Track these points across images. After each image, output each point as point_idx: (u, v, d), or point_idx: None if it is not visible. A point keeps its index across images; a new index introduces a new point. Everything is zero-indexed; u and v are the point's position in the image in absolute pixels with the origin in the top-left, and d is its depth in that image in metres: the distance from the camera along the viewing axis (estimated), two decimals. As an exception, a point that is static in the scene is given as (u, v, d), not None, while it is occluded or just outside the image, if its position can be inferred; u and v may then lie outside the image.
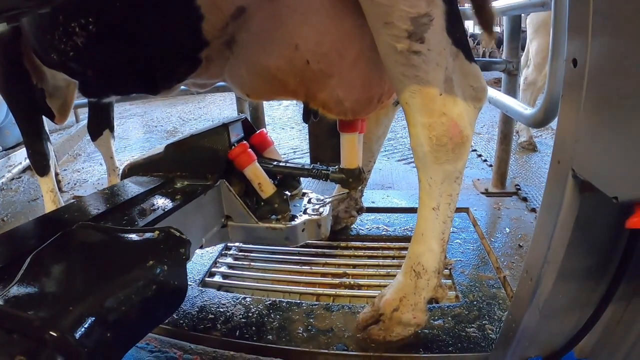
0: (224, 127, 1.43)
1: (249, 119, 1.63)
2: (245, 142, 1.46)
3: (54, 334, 0.63)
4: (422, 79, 1.07)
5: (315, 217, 1.46)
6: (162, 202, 1.17)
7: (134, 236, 0.87)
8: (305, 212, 1.48)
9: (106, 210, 1.08)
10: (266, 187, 1.43)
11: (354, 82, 1.28)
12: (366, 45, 1.18)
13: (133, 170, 1.43)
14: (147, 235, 0.87)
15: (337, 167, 1.53)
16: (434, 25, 1.03)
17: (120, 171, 1.47)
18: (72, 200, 2.70)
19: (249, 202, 1.44)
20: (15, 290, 0.70)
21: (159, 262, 0.80)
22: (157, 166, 1.40)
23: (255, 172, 1.41)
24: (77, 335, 0.65)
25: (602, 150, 0.73)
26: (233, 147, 1.41)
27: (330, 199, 1.55)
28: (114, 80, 1.42)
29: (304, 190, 1.63)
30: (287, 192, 1.49)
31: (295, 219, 1.44)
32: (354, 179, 1.49)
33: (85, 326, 0.66)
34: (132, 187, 1.26)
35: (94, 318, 0.68)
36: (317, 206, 1.51)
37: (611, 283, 0.93)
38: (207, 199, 1.31)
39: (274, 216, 1.45)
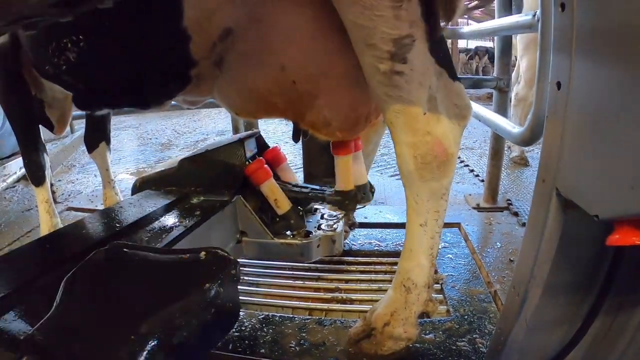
0: (240, 142, 1.44)
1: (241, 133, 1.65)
2: (261, 158, 1.47)
3: None
4: (405, 99, 1.08)
5: (330, 232, 1.47)
6: (182, 219, 1.16)
7: (177, 257, 0.84)
8: (319, 228, 1.49)
9: (125, 226, 1.06)
10: (282, 204, 1.45)
11: (340, 102, 1.30)
12: (352, 66, 1.20)
13: (145, 184, 1.43)
14: (193, 256, 0.84)
15: (332, 189, 1.54)
16: (416, 45, 1.05)
17: (132, 185, 1.47)
18: (67, 212, 2.72)
19: (265, 217, 1.45)
20: (56, 319, 0.64)
21: (215, 284, 0.78)
22: (171, 181, 1.41)
23: (272, 189, 1.44)
24: None
25: (583, 169, 0.75)
26: (248, 162, 1.42)
27: (344, 215, 1.57)
28: (105, 94, 1.44)
29: (315, 206, 1.65)
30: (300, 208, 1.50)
31: (310, 235, 1.45)
32: (350, 201, 1.51)
33: (148, 355, 0.62)
34: (148, 202, 1.26)
35: (156, 346, 0.64)
36: (330, 222, 1.52)
37: (597, 297, 0.94)
38: (225, 215, 1.32)
39: (288, 232, 1.46)
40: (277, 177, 1.54)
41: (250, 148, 1.52)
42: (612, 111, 0.67)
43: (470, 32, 2.37)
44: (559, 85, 0.81)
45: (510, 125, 1.76)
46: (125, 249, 0.83)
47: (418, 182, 1.15)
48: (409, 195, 1.19)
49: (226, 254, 0.84)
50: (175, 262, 0.82)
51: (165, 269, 0.81)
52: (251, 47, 1.23)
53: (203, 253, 0.83)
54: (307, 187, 1.57)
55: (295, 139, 1.50)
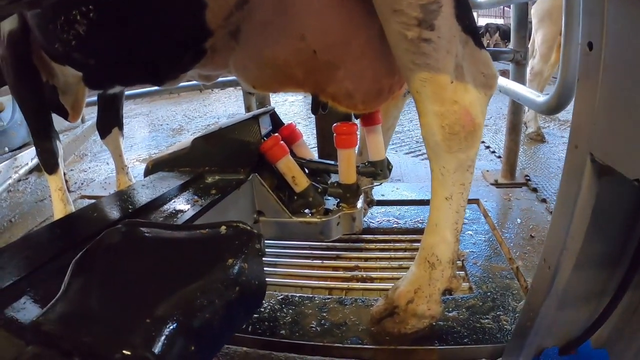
0: (255, 119, 1.40)
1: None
2: (276, 134, 1.44)
3: (128, 353, 0.53)
4: (432, 66, 1.05)
5: (350, 210, 1.43)
6: (197, 198, 1.13)
7: (196, 233, 0.78)
8: (338, 205, 1.46)
9: (139, 207, 1.02)
10: (300, 181, 1.41)
11: (363, 73, 1.26)
12: (374, 35, 1.17)
13: (157, 166, 1.40)
14: (212, 231, 0.78)
15: (366, 161, 1.52)
16: (443, 12, 1.01)
17: (144, 167, 1.45)
18: (81, 200, 2.72)
19: (282, 196, 1.42)
20: (63, 303, 0.59)
21: (238, 260, 0.72)
22: (184, 161, 1.38)
23: (288, 165, 1.40)
24: (157, 351, 0.55)
25: (621, 132, 0.72)
26: (264, 139, 1.39)
27: (363, 190, 1.53)
28: (117, 70, 1.41)
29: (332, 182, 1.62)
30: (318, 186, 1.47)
31: (330, 213, 1.42)
32: (352, 195, 1.46)
33: (166, 340, 0.56)
34: (162, 183, 1.23)
35: (175, 329, 0.58)
36: None
37: (628, 270, 0.91)
38: (241, 194, 1.28)
39: (307, 210, 1.43)
40: (293, 155, 1.51)
41: (265, 125, 1.49)
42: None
43: (487, 1, 2.30)
44: (590, 45, 0.77)
45: (534, 94, 1.71)
46: (138, 227, 0.79)
47: (445, 154, 1.12)
48: (435, 167, 1.15)
49: (249, 227, 0.79)
50: (194, 239, 0.77)
51: (183, 246, 0.76)
52: (269, 16, 1.18)
53: (223, 227, 0.78)
54: (325, 163, 1.54)
55: (315, 111, 1.47)
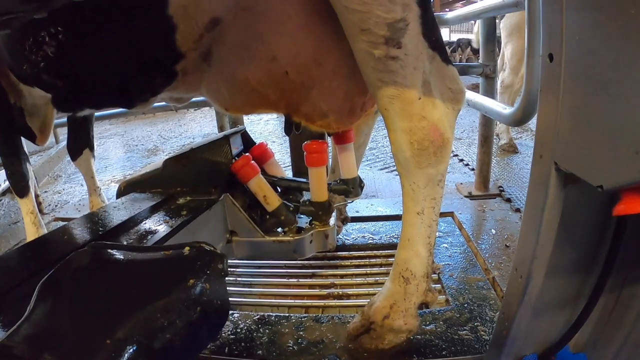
0: (225, 139, 1.39)
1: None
2: (247, 154, 1.43)
3: None
4: (400, 83, 1.06)
5: (322, 227, 1.43)
6: (168, 219, 1.11)
7: (159, 255, 0.78)
8: (310, 223, 1.45)
9: (109, 229, 1.01)
10: (272, 200, 1.40)
11: (335, 91, 1.27)
12: (345, 54, 1.17)
13: (130, 187, 1.38)
14: (175, 252, 0.78)
15: (338, 179, 1.52)
16: (410, 29, 1.03)
17: (116, 189, 1.42)
18: (54, 222, 2.67)
19: (254, 215, 1.40)
20: (27, 325, 0.59)
21: (200, 280, 0.72)
22: (156, 182, 1.36)
23: (259, 185, 1.39)
24: None
25: (583, 140, 0.73)
26: (235, 159, 1.38)
27: (336, 208, 1.53)
28: (87, 92, 1.38)
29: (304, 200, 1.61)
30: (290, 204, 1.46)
31: (302, 231, 1.41)
32: (324, 212, 1.46)
33: None
34: (134, 205, 1.21)
35: (135, 351, 0.58)
36: None
37: (601, 274, 0.93)
38: (212, 214, 1.27)
39: (280, 229, 1.42)
40: (265, 174, 1.50)
41: (237, 145, 1.48)
42: (609, 77, 0.65)
43: (454, 17, 2.34)
44: (551, 57, 0.80)
45: (501, 107, 1.74)
46: (104, 249, 0.78)
47: (414, 169, 1.13)
48: (405, 183, 1.16)
49: (212, 248, 0.79)
50: (158, 260, 0.77)
51: (146, 267, 0.76)
52: (240, 38, 1.19)
53: (187, 248, 0.78)
54: (297, 180, 1.54)
55: (288, 131, 1.46)
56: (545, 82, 0.83)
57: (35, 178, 3.00)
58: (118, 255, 0.77)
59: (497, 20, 2.61)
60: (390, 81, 1.06)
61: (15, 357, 0.54)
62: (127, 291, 0.69)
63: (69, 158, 2.41)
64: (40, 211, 2.83)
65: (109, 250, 0.77)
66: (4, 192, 3.25)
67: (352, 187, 1.53)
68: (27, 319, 0.60)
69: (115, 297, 0.67)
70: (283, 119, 1.43)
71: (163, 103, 1.74)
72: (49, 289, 0.66)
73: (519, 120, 1.53)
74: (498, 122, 3.35)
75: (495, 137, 3.24)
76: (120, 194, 1.38)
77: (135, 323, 0.61)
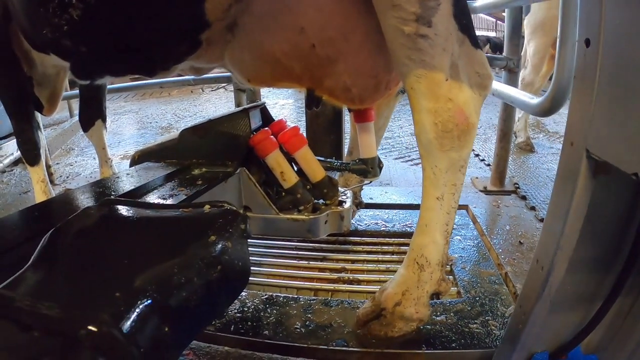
0: (245, 112, 1.36)
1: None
2: (266, 128, 1.41)
3: (93, 329, 0.47)
4: (428, 63, 1.04)
5: (338, 208, 1.40)
6: (183, 188, 1.08)
7: (178, 211, 0.73)
8: (326, 204, 1.42)
9: (121, 194, 0.98)
10: (289, 176, 1.36)
11: (361, 67, 1.25)
12: (373, 29, 1.15)
13: (144, 157, 1.35)
14: (195, 210, 0.74)
15: (356, 159, 1.50)
16: (441, 9, 1.01)
17: (130, 158, 1.40)
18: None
19: (270, 191, 1.38)
20: (30, 274, 0.55)
21: (222, 238, 0.67)
22: (171, 152, 1.33)
23: (277, 160, 1.35)
24: (126, 329, 0.49)
25: (619, 127, 0.71)
26: (253, 133, 1.36)
27: (351, 190, 1.50)
28: (109, 59, 1.36)
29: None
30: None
31: (318, 211, 1.39)
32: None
33: (137, 317, 0.51)
34: (147, 173, 1.19)
35: (148, 306, 0.53)
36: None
37: (620, 275, 0.90)
38: (228, 187, 1.25)
39: (295, 207, 1.39)
40: (283, 151, 1.48)
41: (255, 120, 1.45)
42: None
43: (482, 5, 2.28)
44: (587, 42, 0.77)
45: (528, 97, 1.70)
46: (117, 205, 0.74)
47: (437, 152, 1.10)
48: (426, 166, 1.13)
49: (234, 208, 0.75)
50: (176, 217, 0.72)
51: (164, 224, 0.71)
52: (268, 9, 1.16)
53: (207, 206, 0.74)
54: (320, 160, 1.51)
55: (310, 106, 1.44)
56: (581, 68, 0.80)
57: (48, 148, 3.00)
58: (133, 211, 0.73)
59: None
60: (418, 60, 1.04)
61: (8, 308, 0.49)
62: (141, 246, 0.65)
63: (82, 132, 2.40)
64: (52, 182, 2.84)
65: (125, 206, 0.74)
66: (16, 162, 3.26)
67: (371, 167, 1.50)
68: (29, 269, 0.56)
69: (128, 252, 0.62)
70: (299, 104, 1.41)
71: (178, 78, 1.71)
72: (56, 241, 0.62)
73: (547, 110, 1.48)
74: (516, 120, 3.30)
75: (512, 135, 3.19)
76: (133, 162, 1.36)
77: (150, 276, 0.57)
